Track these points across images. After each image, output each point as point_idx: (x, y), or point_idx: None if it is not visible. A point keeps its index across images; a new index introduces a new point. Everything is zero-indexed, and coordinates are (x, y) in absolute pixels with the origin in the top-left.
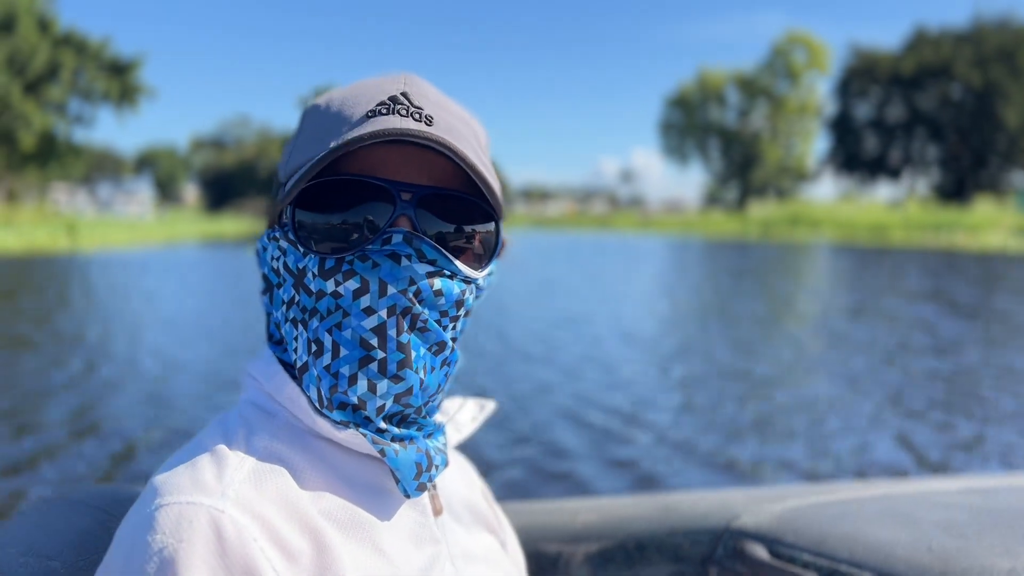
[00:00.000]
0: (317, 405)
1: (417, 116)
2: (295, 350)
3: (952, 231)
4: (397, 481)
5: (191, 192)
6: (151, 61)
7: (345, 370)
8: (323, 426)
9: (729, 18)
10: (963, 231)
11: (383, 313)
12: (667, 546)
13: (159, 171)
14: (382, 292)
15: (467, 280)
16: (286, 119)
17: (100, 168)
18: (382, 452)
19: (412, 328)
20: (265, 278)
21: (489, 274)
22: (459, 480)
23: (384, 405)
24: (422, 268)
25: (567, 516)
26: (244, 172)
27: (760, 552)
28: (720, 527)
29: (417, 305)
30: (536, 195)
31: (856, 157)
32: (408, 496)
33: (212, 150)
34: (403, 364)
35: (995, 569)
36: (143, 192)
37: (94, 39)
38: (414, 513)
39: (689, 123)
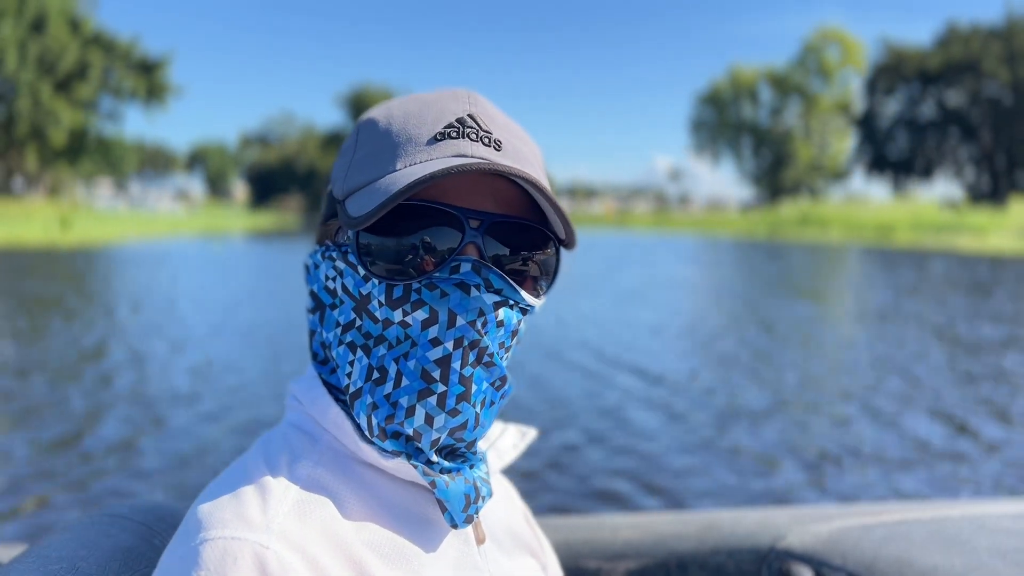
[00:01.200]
0: (367, 432)
1: (487, 140)
2: (348, 374)
3: (957, 233)
4: (444, 511)
5: (240, 189)
6: (204, 58)
7: (404, 400)
8: (368, 452)
9: (784, 11)
10: (968, 233)
11: (449, 345)
12: (710, 565)
13: (210, 168)
14: (451, 323)
15: (525, 309)
16: (326, 116)
17: (153, 165)
18: (432, 484)
19: (478, 362)
20: (315, 296)
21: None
22: (500, 505)
23: (439, 439)
24: (489, 298)
25: (608, 532)
26: (286, 169)
27: (806, 575)
28: (765, 547)
29: (484, 338)
30: (581, 193)
31: (884, 156)
32: (456, 527)
33: (258, 147)
34: (462, 398)
35: None
36: (195, 188)
37: (123, 39)
38: (457, 542)
39: (720, 121)
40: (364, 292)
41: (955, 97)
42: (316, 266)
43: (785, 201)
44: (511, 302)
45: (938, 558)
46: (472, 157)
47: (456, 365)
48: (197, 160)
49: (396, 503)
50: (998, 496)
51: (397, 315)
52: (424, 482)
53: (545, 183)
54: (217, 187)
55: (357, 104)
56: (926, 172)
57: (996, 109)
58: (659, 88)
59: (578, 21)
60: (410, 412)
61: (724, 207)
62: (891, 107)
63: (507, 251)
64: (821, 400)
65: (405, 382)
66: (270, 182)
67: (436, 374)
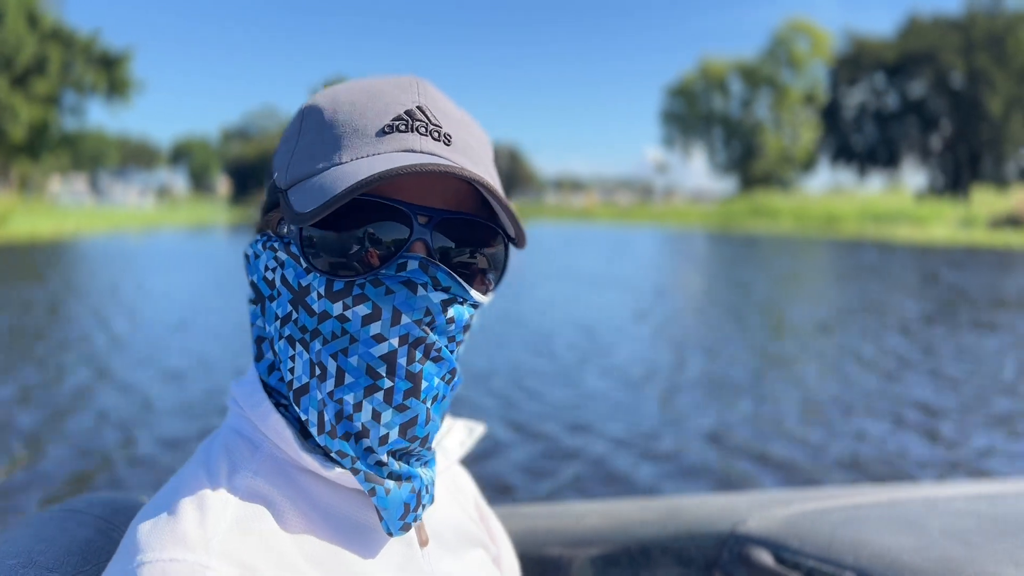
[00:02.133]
0: (317, 429)
1: (436, 135)
2: (291, 370)
3: (897, 224)
4: (381, 519)
5: (224, 183)
6: (192, 51)
7: (350, 398)
8: (309, 461)
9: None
10: (908, 224)
11: (394, 341)
12: (672, 550)
13: (193, 163)
14: (395, 321)
15: (475, 304)
16: None
17: (135, 159)
18: (372, 491)
19: (427, 357)
20: (255, 287)
21: None
22: (445, 502)
23: (388, 435)
24: (437, 296)
25: (572, 520)
26: (264, 163)
27: (765, 558)
28: (725, 532)
29: (431, 335)
30: (568, 186)
31: (848, 147)
32: (391, 535)
33: (240, 141)
34: (410, 393)
35: None
36: (179, 184)
37: (83, 33)
38: (401, 547)
39: (691, 113)
40: (304, 284)
41: (917, 88)
42: (256, 256)
43: (758, 192)
44: (459, 299)
45: (892, 539)
46: (421, 152)
47: (402, 361)
48: (181, 155)
49: (337, 512)
50: (949, 479)
51: (336, 308)
52: (363, 488)
53: (494, 180)
54: (201, 182)
55: None
56: (891, 163)
57: (956, 100)
58: (649, 79)
59: (570, 10)
60: (357, 408)
61: (705, 199)
62: (855, 98)
63: (454, 247)
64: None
65: (349, 379)
66: (250, 176)
67: (382, 370)
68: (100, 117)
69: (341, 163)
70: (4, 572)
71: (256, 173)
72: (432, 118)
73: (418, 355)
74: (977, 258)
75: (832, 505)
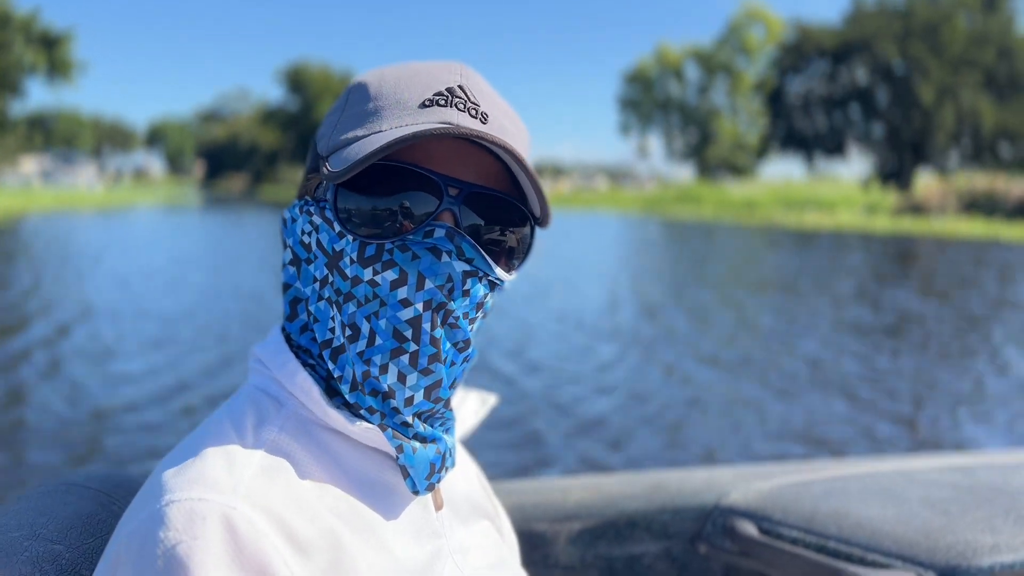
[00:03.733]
0: (349, 387)
1: (474, 112)
2: (331, 329)
3: (807, 210)
4: (406, 477)
5: (199, 166)
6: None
7: (377, 359)
8: (334, 418)
9: None
10: (818, 210)
11: (419, 306)
12: (657, 523)
13: (169, 145)
14: (420, 285)
15: (493, 283)
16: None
17: (111, 141)
18: (400, 448)
19: (443, 323)
20: (291, 249)
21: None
22: (458, 472)
23: (413, 397)
24: (460, 266)
25: (558, 495)
26: (232, 145)
27: (749, 529)
28: (709, 505)
29: (451, 302)
30: (549, 172)
31: (794, 134)
32: (417, 494)
33: (213, 123)
34: (434, 358)
35: (978, 544)
36: (154, 165)
37: (22, 12)
38: (417, 508)
39: (647, 99)
40: (337, 248)
41: (860, 76)
42: (293, 220)
43: (711, 180)
44: (481, 273)
45: (873, 509)
46: (451, 124)
47: (427, 326)
48: (157, 137)
49: (359, 469)
50: (924, 451)
51: (367, 273)
52: (390, 448)
53: (527, 159)
54: (176, 164)
55: (295, 79)
56: (838, 150)
57: (898, 88)
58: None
59: None
60: (383, 370)
61: (671, 184)
62: (800, 85)
63: (482, 223)
64: None
65: (379, 340)
66: (221, 159)
67: (408, 333)
68: (43, 98)
69: (380, 131)
70: (9, 544)
71: (228, 155)
72: (471, 96)
73: (439, 320)
74: (845, 241)
75: (813, 478)
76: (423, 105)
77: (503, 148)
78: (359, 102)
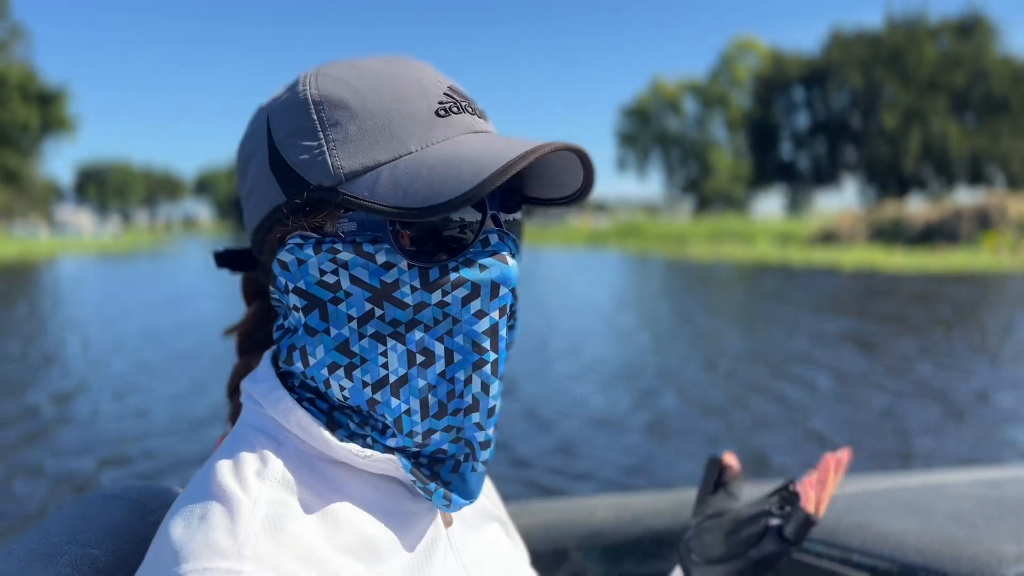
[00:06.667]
0: (420, 416)
1: (480, 114)
2: (384, 365)
3: (728, 242)
4: (429, 495)
5: None
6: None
7: (460, 375)
8: (338, 449)
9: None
10: (738, 241)
11: (495, 315)
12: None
13: (217, 192)
14: (494, 294)
15: None
16: None
17: (162, 191)
18: (473, 469)
19: (508, 324)
20: (303, 293)
21: None
22: None
23: (495, 407)
24: (514, 264)
25: (585, 513)
26: None
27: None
28: None
29: (514, 301)
30: (590, 208)
31: (778, 166)
32: (469, 502)
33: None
34: (503, 363)
35: (1004, 554)
36: (203, 212)
37: (16, 72)
38: (429, 529)
39: (644, 133)
40: (388, 280)
41: (831, 103)
42: (300, 261)
43: (712, 210)
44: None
45: (897, 522)
46: (485, 132)
47: (503, 332)
48: (205, 185)
49: (367, 500)
50: (953, 466)
51: (434, 297)
52: (401, 474)
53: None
54: (224, 211)
55: None
56: (831, 179)
57: (865, 115)
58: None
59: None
60: (467, 382)
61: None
62: (777, 115)
63: (511, 219)
64: None
65: (458, 357)
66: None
67: (486, 343)
68: (143, 150)
69: (421, 149)
70: (51, 548)
71: None
72: (466, 96)
73: (505, 323)
74: (727, 271)
75: (838, 492)
76: (438, 115)
77: (582, 153)
78: (347, 119)
